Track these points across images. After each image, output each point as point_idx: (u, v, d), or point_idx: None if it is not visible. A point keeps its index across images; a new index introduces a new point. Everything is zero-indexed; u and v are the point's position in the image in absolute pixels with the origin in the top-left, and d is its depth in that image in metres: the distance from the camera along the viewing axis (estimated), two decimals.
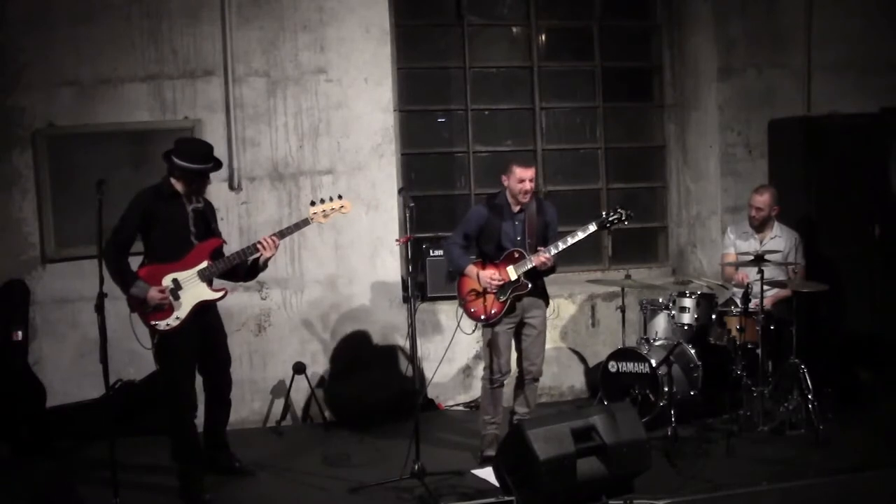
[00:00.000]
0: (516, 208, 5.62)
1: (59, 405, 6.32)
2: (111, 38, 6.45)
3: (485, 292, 5.54)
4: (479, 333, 5.96)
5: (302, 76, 6.72)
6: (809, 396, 5.80)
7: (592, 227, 5.56)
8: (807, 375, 5.83)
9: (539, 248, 5.53)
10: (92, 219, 4.77)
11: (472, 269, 5.61)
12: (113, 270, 4.91)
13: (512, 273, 5.54)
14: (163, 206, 5.08)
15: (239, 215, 6.66)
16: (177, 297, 5.01)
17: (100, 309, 4.69)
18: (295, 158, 6.74)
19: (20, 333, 6.25)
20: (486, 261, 5.66)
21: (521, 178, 5.53)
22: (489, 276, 5.53)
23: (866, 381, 6.63)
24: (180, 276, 5.04)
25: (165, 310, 4.99)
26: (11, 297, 6.33)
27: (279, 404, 6.68)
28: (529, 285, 5.56)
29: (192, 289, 5.05)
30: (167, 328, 4.99)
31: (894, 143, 6.85)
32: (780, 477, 5.14)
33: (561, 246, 5.54)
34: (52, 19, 6.37)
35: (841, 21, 7.36)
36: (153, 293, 4.94)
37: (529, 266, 5.52)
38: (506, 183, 5.63)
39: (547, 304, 5.79)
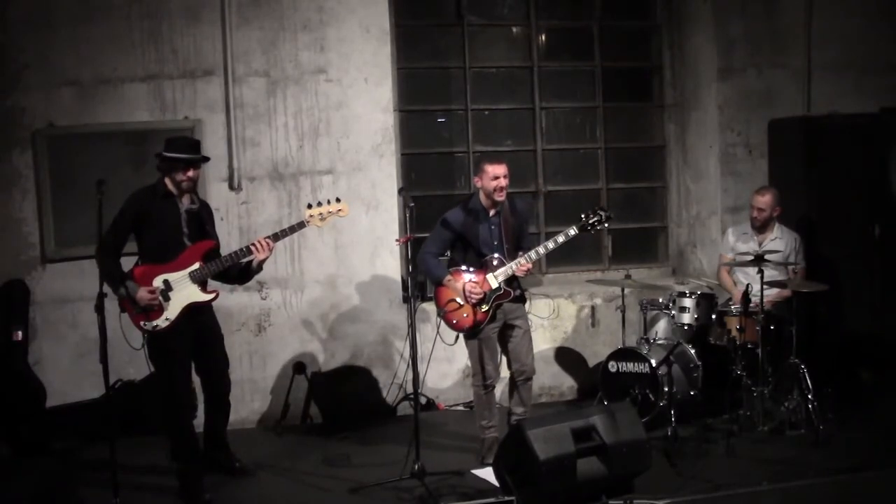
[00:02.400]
0: (492, 211, 5.55)
1: (59, 405, 6.32)
2: (111, 38, 6.45)
3: (466, 303, 5.47)
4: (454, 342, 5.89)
5: (302, 76, 6.72)
6: (809, 396, 5.80)
7: (573, 232, 5.50)
8: (807, 375, 5.83)
9: (520, 254, 5.49)
10: (92, 219, 4.78)
11: (451, 280, 5.50)
12: (103, 270, 4.90)
13: (493, 281, 5.47)
14: (156, 206, 5.07)
15: (239, 215, 6.66)
16: (167, 299, 4.99)
17: (100, 309, 4.68)
18: (295, 158, 6.74)
19: (20, 333, 6.24)
20: (462, 268, 5.54)
21: (495, 176, 5.44)
22: (469, 286, 5.44)
23: (866, 381, 6.63)
24: (171, 277, 5.02)
25: (155, 311, 4.97)
26: (11, 297, 6.33)
27: (279, 404, 6.68)
28: (511, 293, 5.51)
29: (183, 290, 5.03)
30: (155, 329, 4.97)
31: (894, 143, 6.86)
32: (780, 477, 5.14)
33: (542, 251, 5.50)
34: (52, 20, 6.37)
35: (841, 21, 7.36)
36: (142, 293, 4.93)
37: (510, 273, 5.47)
38: (479, 184, 5.54)
39: (524, 301, 5.72)
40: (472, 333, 5.54)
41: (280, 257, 6.63)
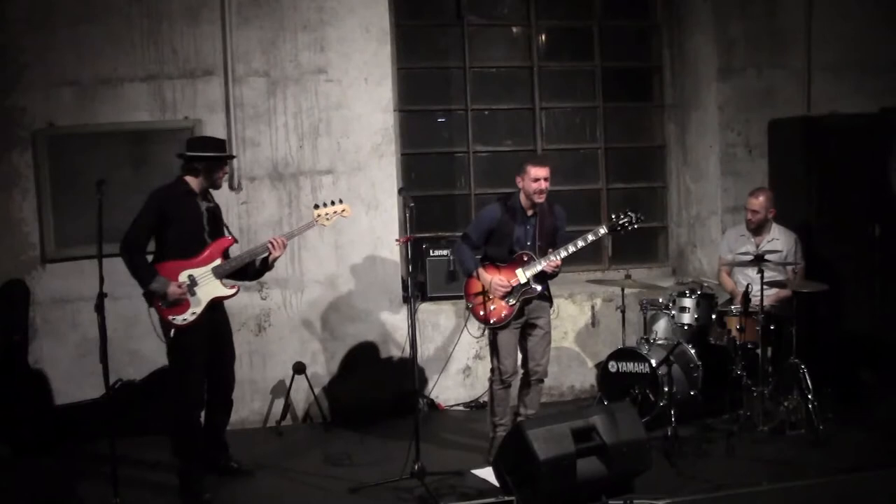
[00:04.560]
0: (530, 212, 5.59)
1: (59, 405, 6.32)
2: (111, 38, 6.46)
3: (493, 296, 5.52)
4: (480, 334, 5.95)
5: (302, 76, 6.72)
6: (809, 396, 5.80)
7: (602, 231, 5.55)
8: (807, 375, 5.83)
9: (549, 251, 5.52)
10: (92, 219, 4.79)
11: (481, 273, 5.58)
12: (133, 266, 5.03)
13: (521, 276, 5.52)
14: (178, 204, 5.17)
15: (239, 215, 6.66)
16: (193, 293, 5.12)
17: (100, 309, 4.71)
18: (295, 158, 6.75)
19: (20, 334, 6.24)
20: (494, 263, 5.62)
21: (537, 178, 5.49)
22: (497, 280, 5.51)
23: (866, 381, 6.63)
24: (195, 272, 5.15)
25: (182, 305, 5.08)
26: (11, 297, 6.33)
27: (279, 404, 6.68)
28: (539, 289, 5.54)
29: (207, 285, 5.17)
30: (184, 323, 5.09)
31: (894, 142, 6.86)
32: (780, 477, 5.15)
33: (571, 249, 5.51)
34: (53, 20, 6.38)
35: (840, 22, 7.36)
36: (173, 288, 5.05)
37: (539, 269, 5.50)
38: (520, 184, 5.58)
39: (551, 305, 5.78)
40: (497, 327, 5.57)
41: (280, 257, 6.62)
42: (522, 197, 5.60)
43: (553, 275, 5.61)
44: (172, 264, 5.11)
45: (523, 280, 5.52)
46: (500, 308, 5.54)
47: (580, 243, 5.52)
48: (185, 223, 5.16)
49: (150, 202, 5.13)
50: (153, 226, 5.11)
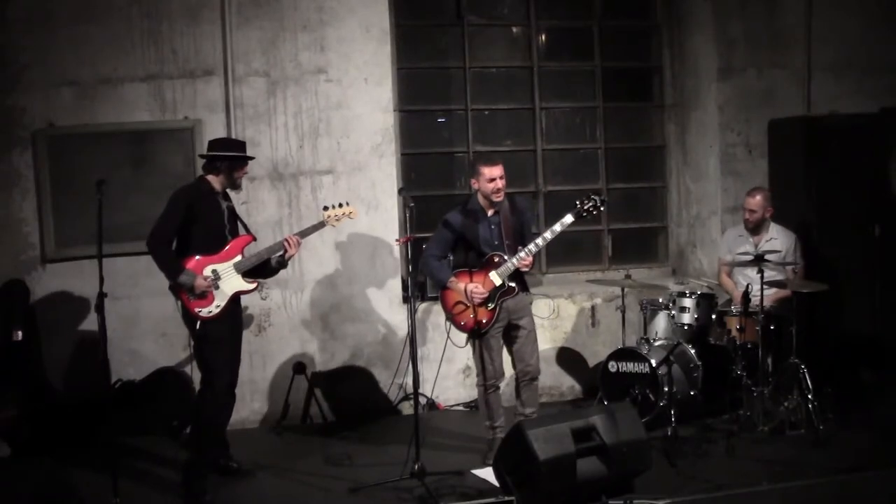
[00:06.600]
0: (490, 211, 5.57)
1: (58, 405, 6.32)
2: (111, 38, 6.46)
3: (471, 303, 5.48)
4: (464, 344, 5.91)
5: (302, 76, 6.72)
6: (809, 396, 5.80)
7: (569, 219, 5.45)
8: (807, 375, 5.83)
9: (519, 248, 5.50)
10: (92, 219, 4.81)
11: (454, 282, 5.54)
12: (161, 261, 5.18)
13: (496, 279, 5.49)
14: (202, 202, 5.31)
15: (239, 215, 6.64)
16: (217, 287, 5.26)
17: (100, 309, 4.73)
18: (295, 158, 6.75)
19: (20, 333, 6.23)
20: (466, 269, 5.57)
21: (492, 177, 5.48)
22: (473, 287, 5.48)
23: (866, 381, 6.63)
24: (219, 267, 5.29)
25: (207, 297, 5.22)
26: (11, 297, 6.33)
27: (279, 404, 6.68)
28: (516, 288, 5.52)
29: (230, 279, 5.31)
30: (209, 315, 5.22)
31: (894, 143, 6.86)
32: (780, 477, 5.15)
33: (541, 243, 5.48)
34: (53, 19, 6.37)
35: (841, 21, 7.36)
36: (200, 281, 5.19)
37: (512, 269, 5.47)
38: (476, 186, 5.58)
39: (530, 298, 5.73)
40: (480, 333, 5.54)
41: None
42: (480, 198, 5.58)
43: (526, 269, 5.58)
44: (197, 259, 5.24)
45: (499, 283, 5.48)
46: (480, 314, 5.50)
47: (548, 236, 5.45)
48: (210, 220, 5.31)
49: (176, 200, 5.27)
50: (180, 221, 5.23)
